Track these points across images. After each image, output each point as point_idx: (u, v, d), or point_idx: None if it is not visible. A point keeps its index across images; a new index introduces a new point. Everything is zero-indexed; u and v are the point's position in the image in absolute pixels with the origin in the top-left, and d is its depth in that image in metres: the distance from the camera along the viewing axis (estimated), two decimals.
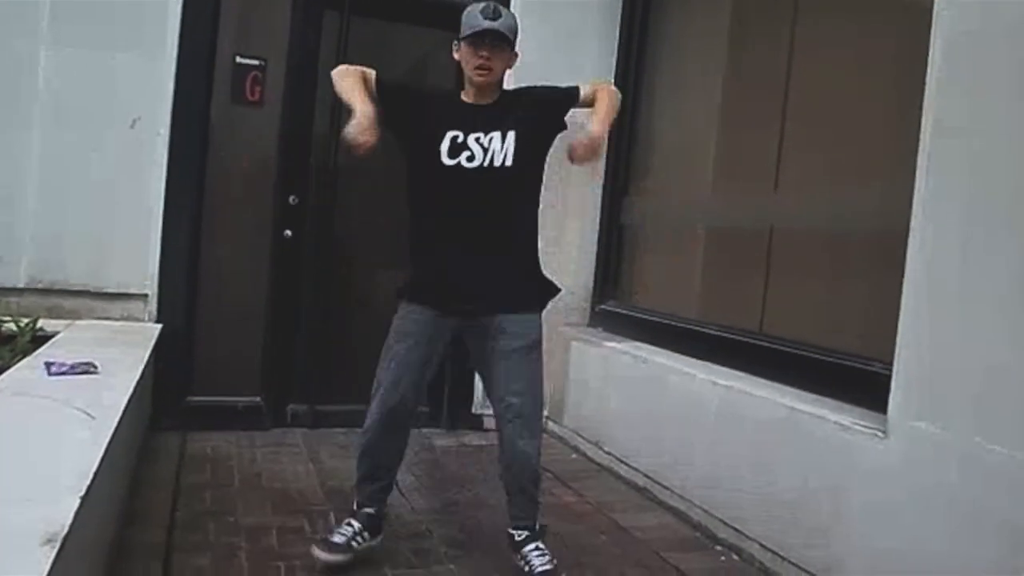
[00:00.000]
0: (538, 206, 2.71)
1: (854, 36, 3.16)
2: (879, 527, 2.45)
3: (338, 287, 4.35)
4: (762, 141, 3.52)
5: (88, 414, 2.25)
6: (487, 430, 4.41)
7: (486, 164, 2.53)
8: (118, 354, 3.08)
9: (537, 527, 2.63)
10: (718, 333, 3.55)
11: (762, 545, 2.89)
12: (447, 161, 2.53)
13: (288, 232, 4.14)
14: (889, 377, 2.46)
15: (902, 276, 2.44)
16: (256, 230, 4.16)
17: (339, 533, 2.62)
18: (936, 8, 2.39)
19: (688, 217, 4.17)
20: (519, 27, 2.62)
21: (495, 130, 2.54)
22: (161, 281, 3.93)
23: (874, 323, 2.75)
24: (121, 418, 2.31)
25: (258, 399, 4.16)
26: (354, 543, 2.60)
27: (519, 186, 2.62)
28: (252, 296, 4.17)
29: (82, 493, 1.65)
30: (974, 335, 2.21)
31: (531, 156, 2.60)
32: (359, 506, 2.71)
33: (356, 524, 2.65)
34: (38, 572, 1.29)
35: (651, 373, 3.65)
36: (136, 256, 3.89)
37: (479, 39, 2.50)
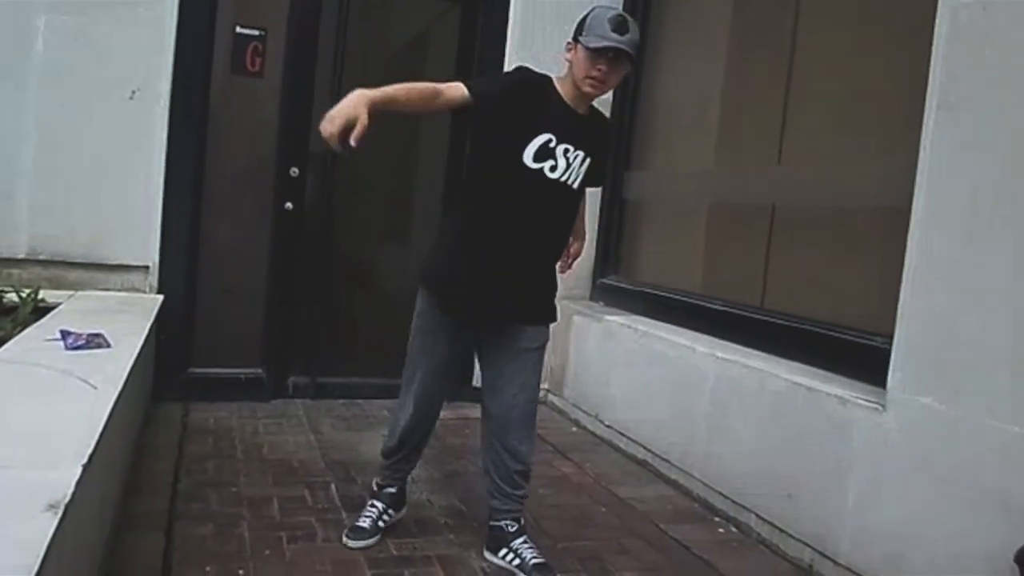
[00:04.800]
0: None
1: (860, 11, 3.13)
2: (877, 500, 2.47)
3: (339, 259, 4.36)
4: (765, 116, 3.50)
5: (90, 384, 2.26)
6: None
7: (563, 179, 2.40)
8: (120, 325, 3.08)
9: (522, 520, 2.63)
10: (719, 307, 3.56)
11: (760, 517, 2.92)
12: (531, 164, 2.35)
13: (289, 204, 4.13)
14: (889, 352, 2.47)
15: (904, 251, 2.44)
16: (257, 202, 4.15)
17: (365, 517, 2.65)
18: None
19: (690, 192, 4.15)
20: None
21: (581, 148, 2.41)
22: (162, 252, 3.92)
23: (875, 298, 2.75)
24: (123, 388, 2.32)
25: (259, 371, 4.18)
26: (380, 523, 2.64)
27: (575, 209, 2.56)
28: (253, 268, 4.17)
29: (84, 461, 1.65)
30: (974, 311, 2.21)
31: (586, 184, 2.50)
32: (380, 487, 2.72)
33: (380, 504, 2.68)
34: (41, 537, 1.30)
35: (652, 347, 3.66)
36: (137, 227, 3.88)
37: (602, 53, 2.31)
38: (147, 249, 3.91)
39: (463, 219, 2.53)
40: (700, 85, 4.12)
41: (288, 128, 4.13)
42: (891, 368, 2.45)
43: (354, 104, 2.14)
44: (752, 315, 3.35)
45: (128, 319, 3.28)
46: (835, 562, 2.59)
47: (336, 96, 4.05)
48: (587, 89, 2.37)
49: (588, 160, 2.44)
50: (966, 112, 2.29)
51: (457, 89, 2.33)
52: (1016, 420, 2.07)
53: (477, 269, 2.44)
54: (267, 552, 2.49)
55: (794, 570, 2.72)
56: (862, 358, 2.71)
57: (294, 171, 4.13)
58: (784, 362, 3.01)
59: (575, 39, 2.38)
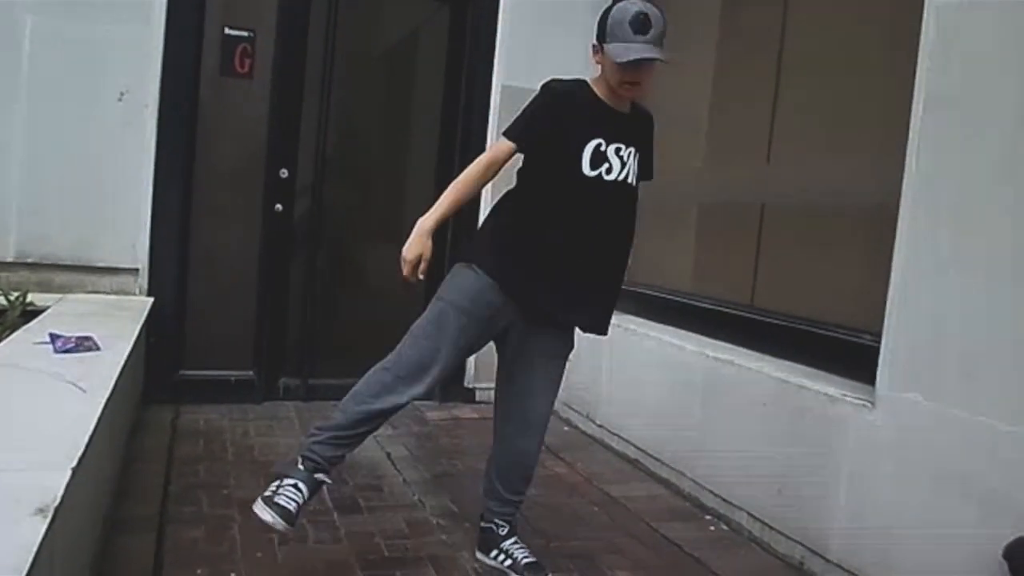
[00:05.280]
0: None
1: (848, 11, 3.14)
2: (866, 496, 2.48)
3: (330, 260, 4.35)
4: (754, 115, 3.51)
5: (79, 387, 2.25)
6: (479, 403, 4.44)
7: (620, 178, 2.36)
8: (109, 328, 3.07)
9: (513, 522, 2.61)
10: (709, 306, 3.57)
11: (751, 515, 2.93)
12: (588, 172, 2.31)
13: (279, 206, 4.12)
14: (878, 349, 2.49)
15: (892, 250, 2.45)
16: (247, 204, 4.15)
17: (290, 499, 2.23)
18: None
19: (680, 191, 4.16)
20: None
21: (631, 144, 2.39)
22: (152, 255, 3.91)
23: (864, 296, 2.76)
24: (113, 391, 2.31)
25: (250, 373, 4.17)
26: (300, 513, 2.26)
27: (634, 206, 2.49)
28: (244, 270, 4.16)
29: (74, 464, 1.65)
30: (962, 309, 2.23)
31: (639, 179, 2.47)
32: (318, 467, 2.30)
33: (305, 490, 2.26)
34: (30, 541, 1.30)
35: (643, 346, 3.67)
36: (126, 230, 3.87)
37: (631, 65, 2.25)
38: (137, 251, 3.90)
39: (527, 222, 2.38)
40: (689, 84, 4.12)
41: (278, 129, 4.12)
42: (880, 365, 2.47)
43: (420, 240, 2.29)
44: (742, 314, 3.36)
45: (118, 322, 3.26)
46: (825, 559, 2.60)
47: (326, 98, 4.12)
48: (625, 95, 2.36)
49: (638, 152, 2.42)
50: (953, 111, 2.31)
51: (502, 150, 2.33)
52: (1002, 416, 2.08)
53: (550, 271, 2.35)
54: (259, 554, 2.48)
55: (785, 567, 2.73)
56: (851, 356, 2.72)
57: (284, 172, 4.12)
58: (774, 360, 3.03)
59: (599, 42, 2.32)
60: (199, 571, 2.34)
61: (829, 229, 3.14)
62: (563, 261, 2.35)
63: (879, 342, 2.48)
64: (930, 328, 2.32)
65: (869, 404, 2.49)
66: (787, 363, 2.97)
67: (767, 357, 3.07)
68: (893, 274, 2.45)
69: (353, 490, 3.07)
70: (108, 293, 3.86)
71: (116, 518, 2.60)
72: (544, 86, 2.38)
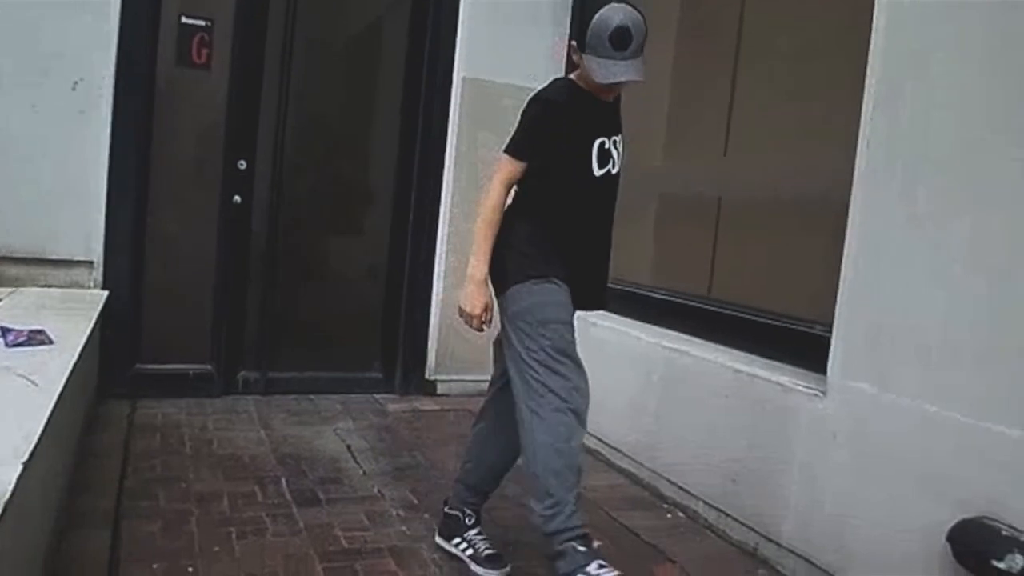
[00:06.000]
0: None
1: (803, 7, 3.19)
2: (818, 483, 2.53)
3: (289, 252, 4.31)
4: (712, 109, 3.55)
5: (32, 381, 2.22)
6: (440, 395, 4.45)
7: (617, 169, 2.42)
8: (63, 321, 3.02)
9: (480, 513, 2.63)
10: (667, 297, 3.61)
11: (707, 503, 2.98)
12: (598, 172, 2.35)
13: (237, 198, 4.08)
14: (829, 340, 2.54)
15: (844, 242, 2.50)
16: (204, 195, 4.09)
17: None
18: None
19: (638, 184, 4.18)
20: None
21: (619, 132, 2.44)
22: (107, 247, 3.85)
23: (817, 287, 2.81)
24: (66, 385, 2.28)
25: (208, 366, 4.13)
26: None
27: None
28: (201, 262, 4.11)
29: (25, 459, 1.63)
30: (911, 300, 2.28)
31: None
32: (581, 537, 2.26)
33: (592, 557, 2.25)
34: None
35: (600, 337, 3.70)
36: (80, 222, 3.80)
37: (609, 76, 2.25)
38: (91, 244, 3.83)
39: (541, 219, 2.38)
40: (648, 79, 4.15)
41: (236, 120, 4.08)
42: (831, 356, 2.52)
43: (481, 291, 2.35)
44: (699, 305, 3.41)
45: (71, 315, 3.22)
46: (779, 545, 2.66)
47: (285, 88, 4.08)
48: (606, 97, 2.37)
49: (621, 137, 2.45)
50: (902, 104, 2.36)
51: (513, 170, 2.34)
52: (945, 403, 2.15)
53: (569, 263, 2.38)
54: (216, 548, 2.47)
55: (740, 554, 2.79)
56: (805, 346, 2.77)
57: (242, 164, 4.08)
58: (730, 351, 3.07)
59: (578, 45, 2.30)
60: (155, 566, 2.32)
61: (784, 221, 3.20)
62: (584, 252, 2.42)
63: (830, 332, 2.54)
64: (879, 319, 2.37)
65: (820, 393, 2.55)
66: (743, 354, 3.02)
67: (724, 348, 3.12)
68: (844, 266, 2.50)
69: (313, 483, 3.06)
70: (62, 286, 3.79)
71: (71, 513, 2.57)
72: (536, 99, 2.36)
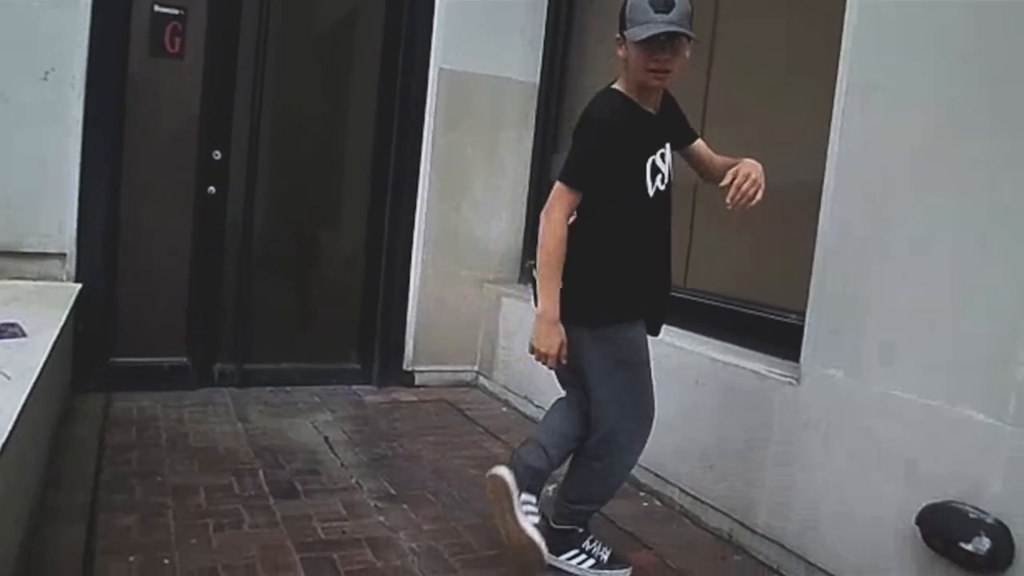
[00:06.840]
0: None
1: (776, 8, 3.22)
2: (792, 469, 2.57)
3: (264, 243, 4.29)
4: (687, 98, 3.56)
5: (3, 374, 2.20)
6: (418, 386, 4.45)
7: (666, 184, 2.37)
8: (35, 314, 2.99)
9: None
10: None
11: (682, 490, 3.01)
12: (651, 192, 2.31)
13: (212, 188, 4.05)
14: (803, 328, 2.57)
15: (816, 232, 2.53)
16: (178, 186, 4.06)
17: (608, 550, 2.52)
18: None
19: None
20: None
21: (667, 144, 2.37)
22: (79, 239, 3.80)
23: (791, 276, 2.84)
24: (38, 378, 2.26)
25: (184, 359, 4.10)
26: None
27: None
28: (176, 253, 4.07)
29: None
30: (882, 288, 2.32)
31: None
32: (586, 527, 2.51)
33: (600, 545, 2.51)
34: None
35: None
36: (53, 214, 3.75)
37: (652, 43, 2.12)
38: (63, 236, 3.78)
39: (611, 246, 2.32)
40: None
41: (211, 110, 4.04)
42: (804, 343, 2.55)
43: (555, 330, 2.25)
44: (675, 294, 3.41)
45: (44, 308, 3.19)
46: (753, 531, 2.69)
47: (260, 78, 4.05)
48: (653, 83, 2.22)
49: (669, 146, 2.40)
50: (874, 95, 2.39)
51: (570, 200, 2.25)
52: (915, 389, 2.18)
53: (647, 285, 2.40)
54: (193, 540, 2.46)
55: (714, 540, 2.82)
56: (779, 334, 2.80)
57: (217, 154, 4.05)
58: (706, 340, 3.10)
59: (621, 33, 2.21)
60: (132, 559, 2.31)
61: (759, 211, 3.21)
62: (651, 278, 2.41)
63: (804, 321, 2.57)
64: (852, 307, 2.40)
65: (794, 381, 2.58)
66: (719, 343, 3.05)
67: (701, 337, 3.14)
68: (816, 256, 2.53)
69: (290, 474, 3.06)
70: (34, 279, 3.75)
71: (46, 508, 2.55)
72: (592, 120, 2.27)
